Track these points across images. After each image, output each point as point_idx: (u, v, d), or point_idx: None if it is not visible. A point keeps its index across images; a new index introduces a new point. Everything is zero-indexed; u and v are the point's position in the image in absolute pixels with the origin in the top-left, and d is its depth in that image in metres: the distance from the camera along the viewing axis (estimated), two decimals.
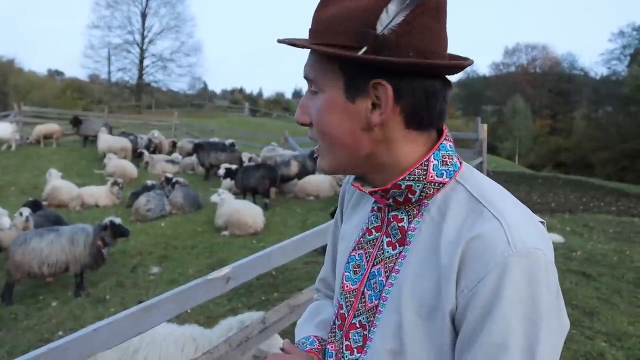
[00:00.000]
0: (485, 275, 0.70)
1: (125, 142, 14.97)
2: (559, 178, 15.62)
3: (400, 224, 0.83)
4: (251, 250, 6.55)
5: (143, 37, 42.33)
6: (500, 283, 0.69)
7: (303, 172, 11.11)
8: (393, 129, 0.79)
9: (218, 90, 65.71)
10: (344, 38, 0.76)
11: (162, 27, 42.58)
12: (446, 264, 0.74)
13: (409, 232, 0.82)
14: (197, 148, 13.36)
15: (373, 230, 0.89)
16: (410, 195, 0.81)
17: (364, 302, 0.86)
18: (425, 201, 0.81)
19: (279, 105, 53.95)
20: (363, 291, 0.87)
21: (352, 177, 0.91)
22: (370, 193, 0.84)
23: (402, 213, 0.84)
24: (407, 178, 0.79)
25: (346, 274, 0.91)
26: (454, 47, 0.84)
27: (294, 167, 11.09)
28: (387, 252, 0.84)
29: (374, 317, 0.84)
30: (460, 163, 0.84)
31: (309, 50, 0.82)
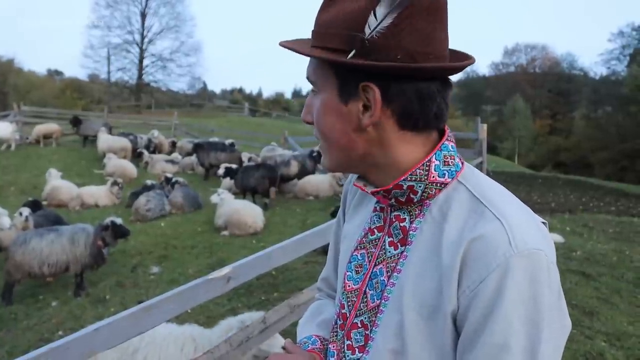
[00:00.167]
0: (487, 275, 0.70)
1: (125, 142, 14.97)
2: (559, 178, 15.63)
3: (402, 224, 0.84)
4: (251, 250, 6.55)
5: (143, 37, 42.35)
6: (502, 283, 0.69)
7: (303, 172, 11.11)
8: (387, 131, 0.80)
9: (218, 90, 65.84)
10: (338, 41, 0.78)
11: (162, 27, 42.64)
12: (448, 264, 0.75)
13: (411, 232, 0.82)
14: (197, 148, 13.36)
15: (375, 230, 0.89)
16: (412, 196, 0.81)
17: (366, 301, 0.86)
18: (427, 201, 0.82)
19: (279, 105, 54.00)
20: (365, 291, 0.87)
21: (355, 177, 0.92)
22: (373, 193, 0.84)
23: (404, 213, 0.84)
24: (408, 178, 0.80)
25: (348, 273, 0.92)
26: (453, 48, 0.84)
27: (294, 167, 11.09)
28: (389, 252, 0.85)
29: (375, 316, 0.84)
30: (462, 163, 0.84)
31: None
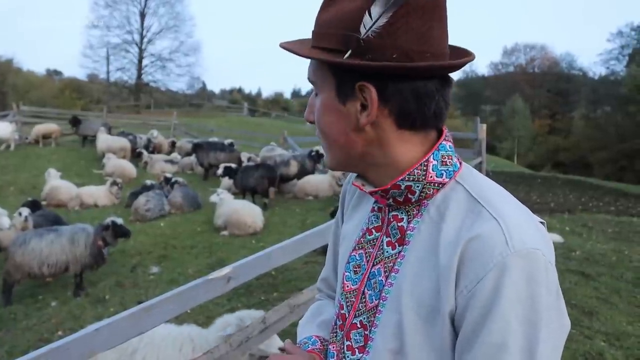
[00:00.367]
0: (485, 275, 0.70)
1: (124, 142, 14.96)
2: (558, 178, 15.63)
3: (399, 224, 0.84)
4: (250, 250, 6.56)
5: (142, 37, 42.30)
6: (499, 283, 0.69)
7: (302, 172, 11.10)
8: (385, 130, 0.80)
9: (217, 90, 65.81)
10: (335, 42, 0.78)
11: (161, 27, 42.58)
12: (445, 264, 0.75)
13: (408, 232, 0.82)
14: (196, 148, 13.35)
15: (373, 230, 0.89)
16: (410, 196, 0.81)
17: (365, 302, 0.87)
18: (425, 201, 0.82)
19: (278, 105, 54.00)
20: (363, 291, 0.87)
21: (353, 177, 0.92)
22: (371, 193, 0.85)
23: (402, 213, 0.84)
24: (406, 178, 0.80)
25: (346, 274, 0.92)
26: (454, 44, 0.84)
27: (293, 167, 11.09)
28: (387, 252, 0.85)
29: (374, 317, 0.84)
30: (460, 163, 0.85)
31: None
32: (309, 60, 0.85)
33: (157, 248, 7.46)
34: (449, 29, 0.80)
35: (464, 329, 0.72)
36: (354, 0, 0.76)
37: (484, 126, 8.11)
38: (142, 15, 42.00)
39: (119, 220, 6.38)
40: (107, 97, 41.16)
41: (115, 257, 7.02)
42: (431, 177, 0.80)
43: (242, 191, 10.31)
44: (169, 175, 11.84)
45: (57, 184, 10.79)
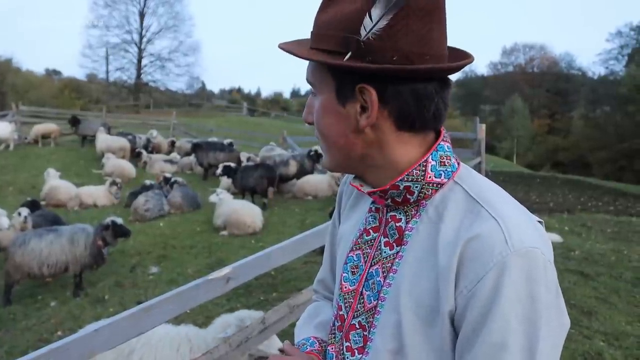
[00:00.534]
0: (484, 275, 0.71)
1: (123, 142, 14.95)
2: (557, 178, 15.64)
3: (398, 224, 0.84)
4: (250, 250, 6.56)
5: (141, 37, 42.27)
6: (499, 282, 0.70)
7: (301, 172, 11.10)
8: (385, 132, 0.80)
9: (216, 90, 65.74)
10: (334, 43, 0.78)
11: (160, 27, 42.54)
12: (444, 265, 0.75)
13: (406, 232, 0.82)
14: (196, 148, 13.35)
15: (371, 231, 0.89)
16: (408, 196, 0.82)
17: (363, 302, 0.87)
18: (424, 202, 0.82)
19: (277, 104, 53.98)
20: (361, 292, 0.87)
21: (350, 178, 0.92)
22: (369, 193, 0.85)
23: (400, 213, 0.84)
24: (405, 179, 0.80)
25: (344, 274, 0.92)
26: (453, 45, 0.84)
27: (293, 167, 11.08)
28: (385, 252, 0.85)
29: (373, 317, 0.84)
30: (458, 164, 0.85)
31: None
32: (307, 61, 0.85)
33: (157, 248, 7.46)
34: (449, 29, 0.80)
35: (464, 328, 0.73)
36: (354, 2, 0.76)
37: (483, 126, 8.12)
38: (142, 15, 41.99)
39: (119, 220, 6.38)
40: (106, 97, 41.16)
41: (115, 257, 7.02)
42: (430, 177, 0.80)
43: (242, 191, 10.31)
44: (168, 175, 11.84)
45: (56, 184, 10.78)
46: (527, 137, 43.52)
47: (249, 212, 8.24)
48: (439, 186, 0.81)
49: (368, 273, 0.87)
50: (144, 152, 15.08)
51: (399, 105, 0.77)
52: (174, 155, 15.02)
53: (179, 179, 11.27)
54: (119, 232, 6.34)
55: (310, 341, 1.00)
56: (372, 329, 0.84)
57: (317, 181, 10.71)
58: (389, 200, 0.83)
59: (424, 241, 0.80)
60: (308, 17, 0.86)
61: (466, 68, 0.85)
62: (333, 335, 0.94)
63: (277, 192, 10.81)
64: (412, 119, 0.78)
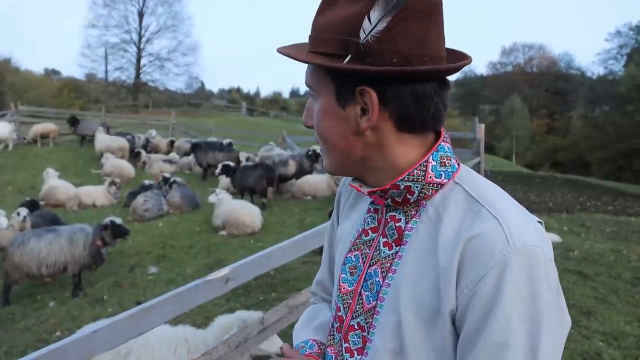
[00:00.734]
0: (486, 274, 0.71)
1: (122, 142, 14.94)
2: (556, 177, 15.64)
3: (397, 224, 0.84)
4: (249, 250, 6.56)
5: (140, 36, 42.24)
6: (501, 281, 0.70)
7: (301, 172, 11.10)
8: (385, 133, 0.80)
9: (215, 90, 65.70)
10: (332, 47, 0.78)
11: (159, 26, 42.52)
12: (445, 265, 0.75)
13: (406, 232, 0.82)
14: (195, 148, 13.34)
15: (369, 231, 0.89)
16: (408, 196, 0.82)
17: (362, 303, 0.87)
18: (424, 202, 0.82)
19: (277, 104, 53.96)
20: (360, 292, 0.87)
21: (349, 178, 0.92)
22: (369, 193, 0.85)
23: (399, 213, 0.84)
24: (406, 179, 0.80)
25: (343, 275, 0.92)
26: (451, 47, 0.84)
27: (292, 167, 11.08)
28: (384, 252, 0.85)
29: (372, 318, 0.84)
30: (458, 164, 0.85)
31: None
32: (306, 64, 0.84)
33: (156, 248, 7.45)
34: (448, 29, 0.81)
35: (466, 328, 0.73)
36: (353, 5, 0.76)
37: (483, 126, 8.12)
38: (141, 15, 41.96)
39: (118, 220, 6.37)
40: (105, 96, 41.12)
41: (114, 257, 7.02)
42: (430, 177, 0.81)
43: (241, 191, 10.31)
44: (167, 175, 11.83)
45: (55, 183, 10.77)
46: (526, 137, 43.56)
47: (248, 212, 8.24)
48: (439, 186, 0.81)
49: (367, 273, 0.87)
50: (143, 152, 15.07)
51: (399, 106, 0.77)
52: (173, 155, 15.01)
53: (178, 179, 11.25)
54: (118, 232, 6.33)
55: (309, 344, 1.00)
56: (371, 330, 0.84)
57: (316, 181, 10.71)
58: (389, 200, 0.83)
59: (424, 241, 0.80)
60: (307, 17, 0.86)
61: (465, 68, 0.86)
62: (332, 337, 0.94)
63: (276, 192, 10.81)
64: (412, 120, 0.79)
